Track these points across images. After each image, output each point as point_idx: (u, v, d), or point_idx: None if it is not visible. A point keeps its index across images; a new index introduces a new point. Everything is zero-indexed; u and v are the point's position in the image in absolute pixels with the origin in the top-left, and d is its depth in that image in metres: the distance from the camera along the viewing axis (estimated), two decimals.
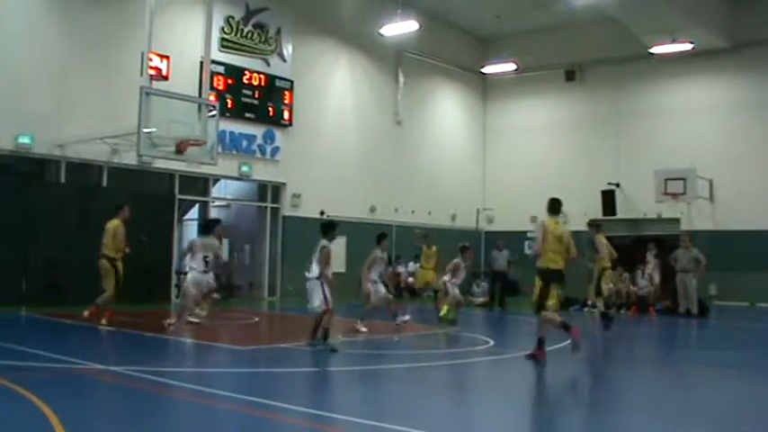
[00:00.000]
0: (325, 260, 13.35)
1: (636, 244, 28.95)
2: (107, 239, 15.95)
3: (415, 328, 17.20)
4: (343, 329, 16.10)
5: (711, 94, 29.39)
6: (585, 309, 24.38)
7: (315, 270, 13.33)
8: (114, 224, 16.01)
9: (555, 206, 12.62)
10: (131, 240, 16.43)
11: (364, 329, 16.00)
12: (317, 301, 13.30)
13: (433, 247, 21.84)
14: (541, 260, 12.29)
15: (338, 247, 27.22)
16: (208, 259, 15.89)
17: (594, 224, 18.70)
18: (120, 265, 16.06)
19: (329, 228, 13.81)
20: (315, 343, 13.31)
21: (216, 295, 17.83)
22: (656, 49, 27.94)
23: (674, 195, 27.38)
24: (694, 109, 29.52)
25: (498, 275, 25.43)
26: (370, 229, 28.38)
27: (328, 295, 13.28)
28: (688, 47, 27.15)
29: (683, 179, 27.25)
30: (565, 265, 12.44)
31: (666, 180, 27.45)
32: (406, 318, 17.81)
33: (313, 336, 13.44)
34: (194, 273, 15.87)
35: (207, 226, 16.83)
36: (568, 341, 15.48)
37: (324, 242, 13.52)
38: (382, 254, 17.16)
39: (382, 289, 16.96)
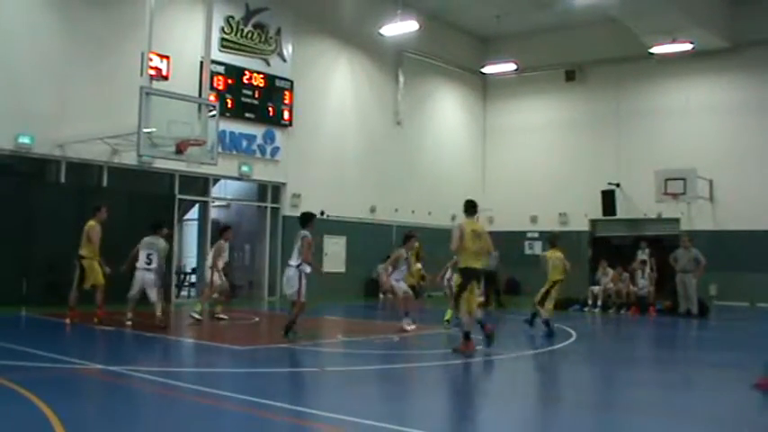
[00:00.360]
0: (307, 247, 14.17)
1: (636, 244, 28.98)
2: (83, 240, 16.11)
3: (416, 329, 17.20)
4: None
5: (712, 94, 29.39)
6: (586, 309, 24.42)
7: (295, 259, 14.11)
8: (90, 225, 16.18)
9: (469, 207, 13.57)
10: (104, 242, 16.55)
11: (412, 326, 16.55)
12: (290, 289, 14.15)
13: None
14: (462, 260, 12.89)
15: (338, 247, 27.67)
16: (151, 257, 16.08)
17: (549, 240, 18.78)
18: (90, 264, 16.15)
19: (308, 219, 14.70)
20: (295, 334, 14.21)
21: (215, 295, 17.96)
22: (656, 49, 27.92)
23: (674, 195, 27.38)
24: (694, 109, 29.52)
25: (489, 276, 25.46)
26: (371, 229, 28.49)
27: (303, 287, 14.12)
28: (688, 47, 27.13)
29: (683, 179, 27.25)
30: (485, 262, 13.23)
31: (666, 180, 27.45)
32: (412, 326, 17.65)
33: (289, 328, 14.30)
34: (137, 270, 16.08)
35: (153, 226, 16.87)
36: (570, 340, 15.56)
37: (304, 232, 14.29)
38: (408, 254, 17.54)
39: (404, 285, 17.26)
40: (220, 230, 18.97)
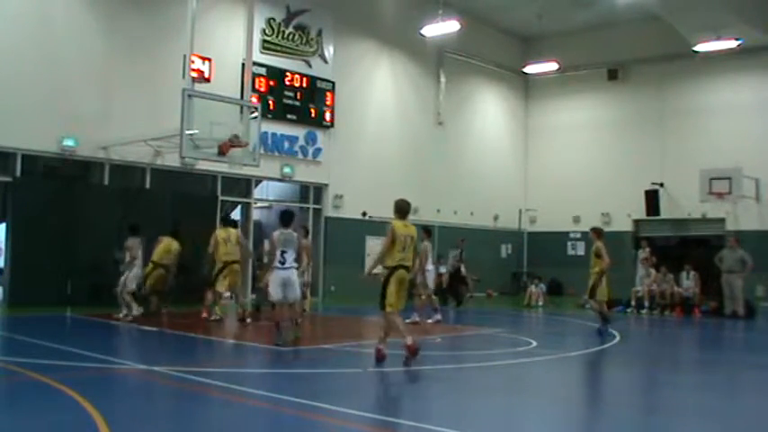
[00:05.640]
0: (307, 252, 14.56)
1: (681, 245, 28.70)
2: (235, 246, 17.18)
3: (457, 329, 17.17)
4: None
5: (758, 91, 28.92)
6: (629, 310, 24.19)
7: (293, 261, 13.38)
8: (231, 232, 16.95)
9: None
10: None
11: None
12: (293, 293, 13.39)
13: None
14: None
15: (380, 248, 27.51)
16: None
17: (597, 231, 18.51)
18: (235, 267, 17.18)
19: (291, 219, 13.80)
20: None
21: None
22: (700, 47, 27.48)
23: (720, 195, 27.04)
24: (740, 107, 29.09)
25: (453, 275, 25.42)
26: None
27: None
28: (733, 44, 26.68)
29: (728, 178, 26.90)
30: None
31: (711, 179, 27.12)
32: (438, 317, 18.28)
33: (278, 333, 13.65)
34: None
35: (131, 228, 17.89)
36: (614, 341, 15.41)
37: (293, 233, 13.57)
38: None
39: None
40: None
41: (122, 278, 17.34)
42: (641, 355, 15.57)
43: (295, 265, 13.42)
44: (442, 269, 26.57)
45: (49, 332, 14.91)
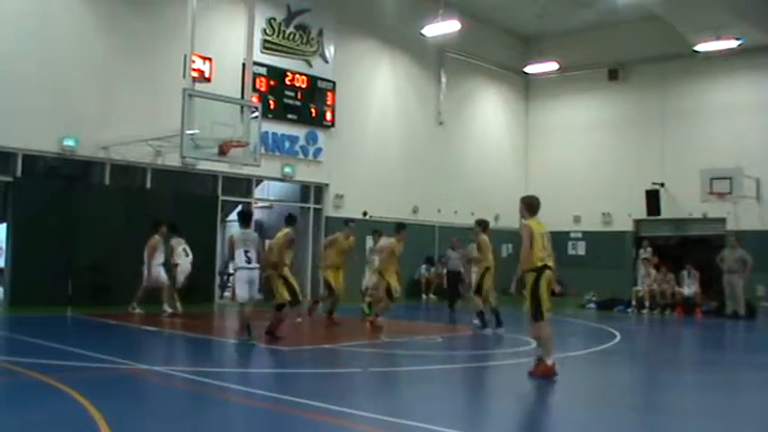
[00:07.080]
0: (263, 249, 14.17)
1: (681, 245, 28.67)
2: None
3: (457, 329, 17.17)
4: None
5: (757, 92, 28.88)
6: (629, 309, 24.19)
7: (256, 261, 13.46)
8: (342, 239, 18.27)
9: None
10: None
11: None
12: (258, 294, 13.71)
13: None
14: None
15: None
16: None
17: (482, 224, 18.19)
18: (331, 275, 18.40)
19: (249, 218, 14.25)
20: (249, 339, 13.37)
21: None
22: (700, 47, 27.42)
23: (720, 195, 27.00)
24: (741, 107, 29.04)
25: (452, 276, 24.73)
26: (413, 229, 28.34)
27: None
28: (734, 44, 26.63)
29: (729, 178, 26.84)
30: None
31: (712, 179, 27.07)
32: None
33: (244, 331, 13.60)
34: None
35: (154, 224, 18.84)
36: (615, 341, 15.40)
37: (252, 232, 13.85)
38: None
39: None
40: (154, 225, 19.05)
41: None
42: (642, 355, 15.57)
43: (257, 265, 13.51)
44: (444, 270, 26.59)
45: (49, 332, 14.91)
